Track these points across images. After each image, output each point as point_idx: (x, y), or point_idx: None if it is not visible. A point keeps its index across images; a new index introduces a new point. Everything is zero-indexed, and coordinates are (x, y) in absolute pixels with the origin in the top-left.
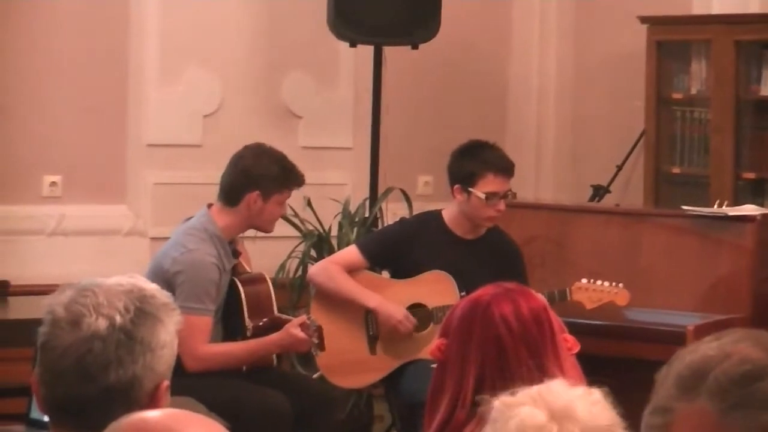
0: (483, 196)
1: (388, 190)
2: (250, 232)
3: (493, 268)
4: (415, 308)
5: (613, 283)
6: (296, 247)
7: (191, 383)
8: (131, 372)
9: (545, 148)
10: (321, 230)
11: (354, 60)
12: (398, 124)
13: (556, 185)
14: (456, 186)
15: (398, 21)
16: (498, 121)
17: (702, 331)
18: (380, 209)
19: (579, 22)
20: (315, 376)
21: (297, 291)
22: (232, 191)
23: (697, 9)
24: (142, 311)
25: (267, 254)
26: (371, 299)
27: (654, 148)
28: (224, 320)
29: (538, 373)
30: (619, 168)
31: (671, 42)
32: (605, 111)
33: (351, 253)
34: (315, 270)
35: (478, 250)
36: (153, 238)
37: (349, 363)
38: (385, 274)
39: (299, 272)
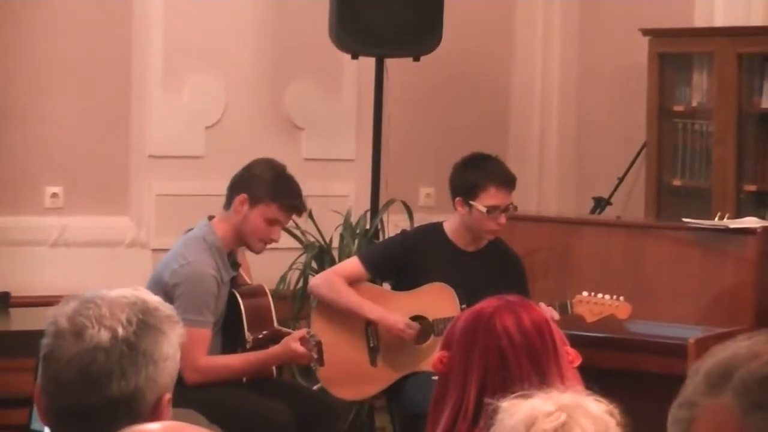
0: (484, 209)
1: (390, 202)
2: None
3: (495, 280)
4: (416, 320)
5: (614, 296)
6: (297, 258)
7: (192, 395)
8: (134, 384)
9: (547, 160)
10: (322, 242)
11: (356, 71)
12: (400, 136)
13: (558, 197)
14: (458, 198)
15: (400, 32)
16: (500, 133)
17: (704, 344)
18: (381, 221)
19: (581, 34)
20: (315, 387)
21: (298, 302)
22: (228, 192)
23: (699, 21)
24: (145, 323)
25: (268, 265)
26: (372, 311)
27: (656, 160)
28: (224, 332)
29: (541, 385)
30: (621, 180)
31: (673, 54)
32: (607, 123)
33: (352, 264)
34: (316, 281)
35: (479, 262)
36: (155, 250)
37: (350, 374)
38: (386, 285)
39: (300, 284)
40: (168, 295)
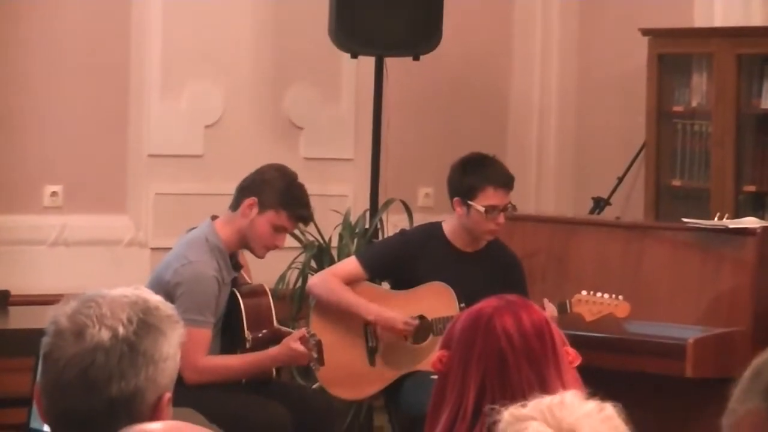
0: (482, 209)
1: (389, 202)
2: None
3: (494, 281)
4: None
5: (613, 295)
6: (296, 258)
7: (191, 394)
8: (134, 384)
9: (546, 160)
10: (321, 241)
11: (355, 71)
12: (399, 136)
13: (557, 197)
14: (456, 199)
15: (400, 32)
16: (499, 133)
17: (702, 345)
18: (381, 221)
19: (581, 35)
20: (314, 387)
21: (297, 302)
22: (236, 193)
23: (699, 22)
24: (145, 323)
25: (267, 265)
26: (369, 311)
27: (655, 161)
28: (224, 332)
29: (540, 385)
30: (620, 180)
31: (673, 55)
32: (606, 123)
33: (351, 264)
34: (314, 281)
35: (478, 263)
36: (154, 249)
37: (348, 375)
38: (385, 285)
39: (299, 283)
40: (169, 295)
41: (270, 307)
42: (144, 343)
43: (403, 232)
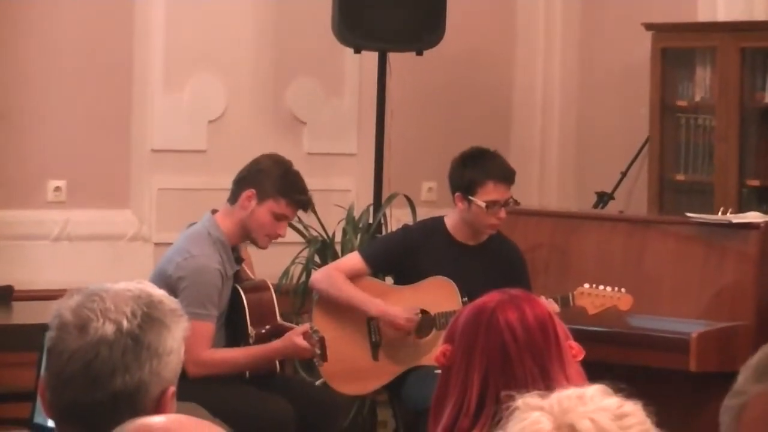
0: (483, 204)
1: (392, 196)
2: None
3: (496, 275)
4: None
5: (616, 288)
6: (300, 252)
7: (194, 388)
8: (138, 377)
9: (549, 155)
10: (325, 236)
11: (359, 66)
12: (403, 130)
13: (560, 192)
14: (457, 194)
15: (403, 27)
16: (502, 128)
17: (706, 339)
18: (384, 215)
19: (584, 29)
20: (318, 383)
21: (300, 297)
22: (234, 187)
23: (703, 16)
24: (149, 317)
25: (271, 260)
26: (372, 307)
27: (658, 155)
28: (227, 327)
29: (543, 379)
30: (624, 175)
31: (676, 49)
32: (609, 117)
33: (354, 259)
34: (317, 276)
35: (480, 257)
36: (157, 244)
37: (351, 370)
38: (389, 280)
39: (303, 278)
40: (172, 289)
41: (273, 302)
42: (148, 337)
43: (405, 227)
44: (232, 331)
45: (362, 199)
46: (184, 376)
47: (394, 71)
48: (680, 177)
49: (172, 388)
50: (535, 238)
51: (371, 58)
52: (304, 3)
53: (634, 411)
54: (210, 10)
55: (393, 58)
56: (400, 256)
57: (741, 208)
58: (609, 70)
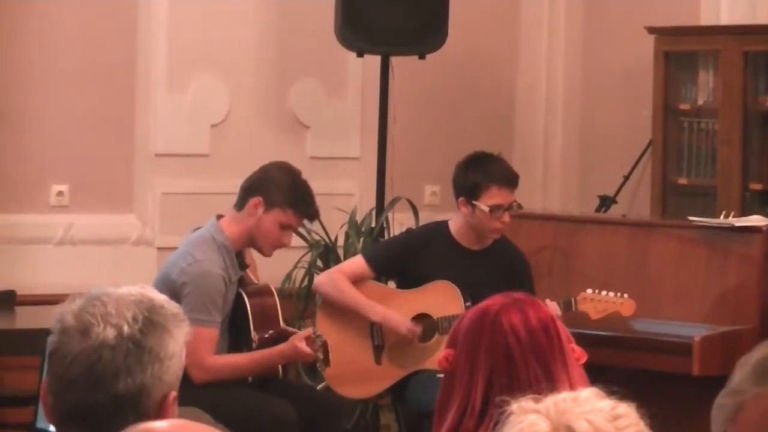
0: (487, 209)
1: (395, 200)
2: None
3: (500, 278)
4: (421, 318)
5: (619, 293)
6: (303, 256)
7: (197, 393)
8: (140, 381)
9: (553, 158)
10: (328, 240)
11: (362, 70)
12: (405, 134)
13: (563, 195)
14: (461, 198)
15: (406, 31)
16: (505, 131)
17: (709, 343)
18: (387, 219)
19: (587, 32)
20: (319, 387)
21: (303, 301)
22: (241, 193)
23: (706, 19)
24: (150, 321)
25: (273, 264)
26: (375, 312)
27: (661, 159)
28: (230, 332)
29: (547, 381)
30: (626, 178)
31: (679, 52)
32: (613, 121)
33: (357, 263)
34: (320, 280)
35: (484, 261)
36: (160, 248)
37: (354, 373)
38: (391, 284)
39: (306, 282)
40: (175, 294)
41: (276, 307)
42: (149, 341)
43: (409, 231)
44: (235, 335)
45: (365, 202)
46: (186, 382)
47: (397, 74)
48: (683, 180)
49: (174, 393)
50: (538, 242)
51: (374, 61)
52: (307, 5)
53: (628, 412)
54: (213, 15)
55: (396, 60)
56: (404, 260)
57: (744, 212)
58: (612, 74)
